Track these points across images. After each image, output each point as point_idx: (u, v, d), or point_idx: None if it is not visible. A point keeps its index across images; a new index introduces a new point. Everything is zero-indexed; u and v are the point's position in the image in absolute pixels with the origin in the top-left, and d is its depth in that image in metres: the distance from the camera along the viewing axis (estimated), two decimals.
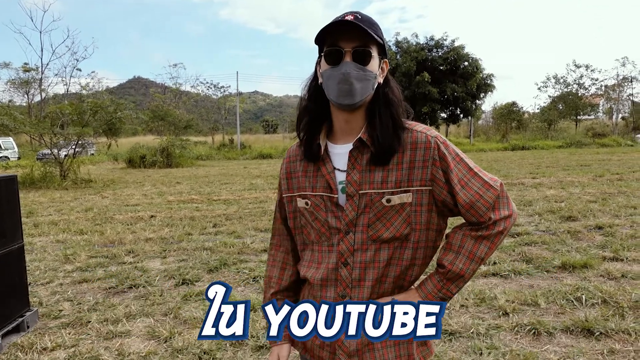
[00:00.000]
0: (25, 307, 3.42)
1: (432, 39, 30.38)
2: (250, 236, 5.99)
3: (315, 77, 1.21)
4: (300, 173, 1.25)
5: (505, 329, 3.07)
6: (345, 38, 1.11)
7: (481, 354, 2.76)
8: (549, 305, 3.45)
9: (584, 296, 3.52)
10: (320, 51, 1.17)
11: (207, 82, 50.23)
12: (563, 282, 3.90)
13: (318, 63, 1.19)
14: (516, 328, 3.08)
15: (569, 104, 35.43)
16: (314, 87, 1.21)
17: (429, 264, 1.22)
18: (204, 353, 2.85)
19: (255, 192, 10.42)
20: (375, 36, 1.10)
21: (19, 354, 2.94)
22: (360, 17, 1.11)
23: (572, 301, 3.48)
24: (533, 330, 3.02)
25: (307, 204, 1.21)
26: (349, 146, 1.17)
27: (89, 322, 3.39)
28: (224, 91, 42.07)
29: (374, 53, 1.13)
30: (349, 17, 1.10)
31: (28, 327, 3.34)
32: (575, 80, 36.56)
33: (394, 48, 30.32)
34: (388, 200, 1.13)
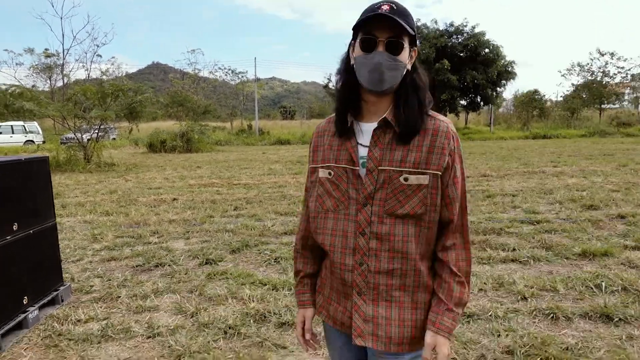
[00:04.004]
0: (59, 282, 3.58)
1: (451, 25, 29.83)
2: (270, 219, 6.11)
3: (347, 59, 1.28)
4: (326, 146, 1.33)
5: (524, 313, 3.12)
6: (380, 28, 1.18)
7: (499, 335, 2.81)
8: (567, 291, 3.48)
9: (603, 283, 3.53)
10: (354, 35, 1.24)
11: (225, 68, 50.44)
12: (583, 270, 3.91)
13: (352, 46, 1.26)
14: (534, 312, 3.12)
15: (593, 93, 34.54)
16: (346, 69, 1.28)
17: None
18: (229, 328, 2.96)
19: (274, 177, 10.53)
20: (408, 28, 1.17)
21: (55, 324, 3.11)
22: (395, 7, 1.17)
23: (592, 288, 3.50)
24: (551, 315, 3.06)
25: (330, 174, 1.30)
26: (374, 124, 1.25)
27: (119, 297, 3.55)
28: (242, 77, 42.19)
29: (406, 44, 1.20)
30: (385, 7, 1.17)
31: (62, 300, 3.51)
32: (599, 68, 35.59)
33: None
34: (405, 179, 1.20)
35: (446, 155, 1.21)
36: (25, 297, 3.13)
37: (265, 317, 3.14)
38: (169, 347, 2.77)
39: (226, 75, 42.85)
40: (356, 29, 1.22)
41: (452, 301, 1.25)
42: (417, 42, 1.27)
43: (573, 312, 3.09)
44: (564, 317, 3.05)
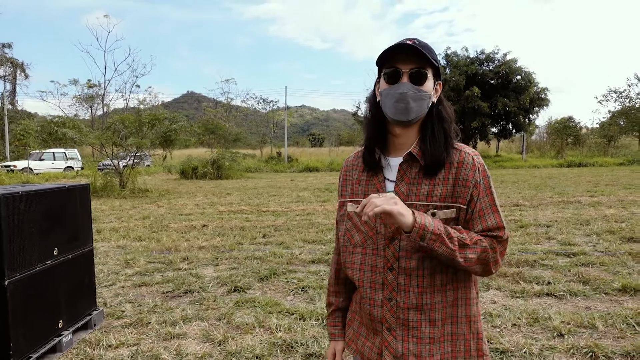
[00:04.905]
0: (92, 307, 3.68)
1: (482, 52, 29.82)
2: (298, 247, 6.12)
3: (374, 95, 1.32)
4: (354, 181, 1.36)
5: (560, 351, 2.99)
6: (404, 60, 1.22)
7: None
8: (607, 328, 3.32)
9: None
10: (379, 72, 1.29)
11: (257, 97, 51.62)
12: (623, 306, 3.72)
13: (377, 83, 1.31)
14: (572, 350, 2.98)
15: (631, 119, 33.49)
16: (373, 105, 1.32)
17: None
18: (256, 357, 2.96)
19: (302, 205, 10.58)
20: (431, 59, 1.20)
21: (87, 349, 3.18)
22: (418, 42, 1.22)
23: (634, 326, 3.33)
24: (590, 354, 2.92)
25: (358, 209, 1.31)
26: (399, 159, 1.27)
27: (149, 323, 3.60)
28: (273, 105, 43.06)
29: (430, 74, 1.23)
30: (408, 42, 1.21)
31: (95, 325, 3.59)
32: (638, 95, 34.57)
33: (443, 62, 29.96)
34: (433, 214, 1.20)
35: (470, 187, 1.20)
36: (61, 321, 3.22)
37: (292, 347, 3.12)
38: None
39: (258, 103, 43.86)
40: (380, 64, 1.26)
41: (446, 230, 1.14)
42: (441, 76, 1.30)
43: (613, 352, 2.94)
44: (603, 356, 2.90)
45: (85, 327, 3.51)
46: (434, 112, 1.27)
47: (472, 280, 1.30)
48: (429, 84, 1.23)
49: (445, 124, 1.26)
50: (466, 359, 1.27)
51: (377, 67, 1.29)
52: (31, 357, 2.85)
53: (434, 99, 1.27)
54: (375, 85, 1.32)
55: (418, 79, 1.21)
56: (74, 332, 3.36)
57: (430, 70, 1.23)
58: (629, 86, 36.80)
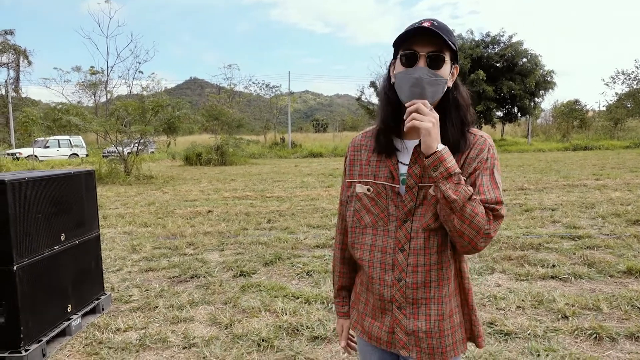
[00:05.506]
0: (100, 291, 3.72)
1: (487, 35, 29.43)
2: (303, 232, 6.15)
3: (388, 77, 1.30)
4: (364, 161, 1.34)
5: (564, 332, 3.00)
6: (421, 43, 1.18)
7: (538, 355, 2.72)
8: (612, 310, 3.33)
9: None
10: (395, 54, 1.25)
11: (260, 82, 51.44)
12: (628, 288, 3.73)
13: (392, 64, 1.28)
14: (576, 332, 3.00)
15: (638, 102, 33.09)
16: (387, 86, 1.30)
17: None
18: (263, 340, 2.99)
19: (306, 190, 10.60)
20: (450, 43, 1.17)
21: (96, 332, 3.22)
22: (437, 24, 1.18)
23: (638, 307, 3.34)
24: (594, 335, 2.94)
25: (369, 190, 1.31)
26: (415, 142, 1.25)
27: (156, 307, 3.65)
28: (276, 91, 42.86)
29: (447, 59, 1.20)
30: (426, 24, 1.17)
31: (103, 309, 3.64)
32: None
33: None
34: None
35: (475, 162, 1.20)
36: (69, 305, 3.27)
37: (297, 330, 3.15)
38: (204, 358, 2.83)
39: (261, 89, 43.66)
40: (397, 45, 1.22)
41: (457, 174, 1.13)
42: (459, 60, 1.27)
43: (618, 333, 2.96)
44: (608, 337, 2.92)
45: (93, 311, 3.56)
46: (450, 99, 1.24)
47: (463, 256, 1.32)
48: (446, 69, 1.20)
49: (461, 112, 1.24)
50: (465, 329, 1.33)
51: (393, 48, 1.25)
52: (41, 340, 2.90)
53: (450, 84, 1.24)
54: (390, 67, 1.29)
55: (435, 64, 1.18)
56: (83, 316, 3.40)
57: (448, 53, 1.20)
58: (637, 68, 36.28)
